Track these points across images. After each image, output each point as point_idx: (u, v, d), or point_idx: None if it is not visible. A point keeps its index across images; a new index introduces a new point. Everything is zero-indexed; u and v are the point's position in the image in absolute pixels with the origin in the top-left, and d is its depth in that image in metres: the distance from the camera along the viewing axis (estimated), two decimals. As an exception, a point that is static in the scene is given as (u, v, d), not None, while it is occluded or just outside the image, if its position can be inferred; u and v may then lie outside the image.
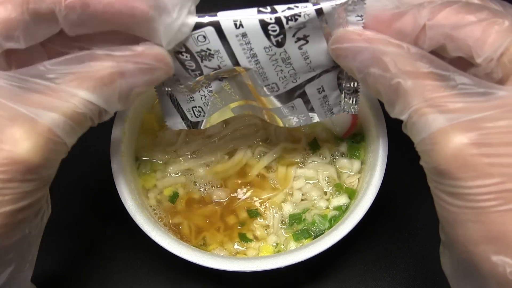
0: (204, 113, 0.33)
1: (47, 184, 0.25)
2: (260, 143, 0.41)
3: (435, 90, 0.22)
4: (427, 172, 0.23)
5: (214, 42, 0.27)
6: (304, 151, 0.41)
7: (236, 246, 0.39)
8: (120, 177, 0.36)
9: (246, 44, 0.27)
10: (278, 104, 0.32)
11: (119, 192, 0.36)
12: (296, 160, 0.41)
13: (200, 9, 0.26)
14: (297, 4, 0.25)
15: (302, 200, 0.40)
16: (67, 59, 0.24)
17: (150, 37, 0.25)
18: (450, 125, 0.21)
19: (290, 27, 0.26)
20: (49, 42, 0.26)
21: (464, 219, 0.21)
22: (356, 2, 0.24)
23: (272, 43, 0.27)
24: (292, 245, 0.38)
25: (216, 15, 0.26)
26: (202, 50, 0.28)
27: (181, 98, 0.32)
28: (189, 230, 0.39)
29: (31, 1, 0.23)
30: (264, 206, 0.40)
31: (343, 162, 0.40)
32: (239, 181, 0.40)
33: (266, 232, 0.39)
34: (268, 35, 0.27)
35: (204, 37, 0.27)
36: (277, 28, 0.26)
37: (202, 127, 0.34)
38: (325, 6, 0.24)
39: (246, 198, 0.40)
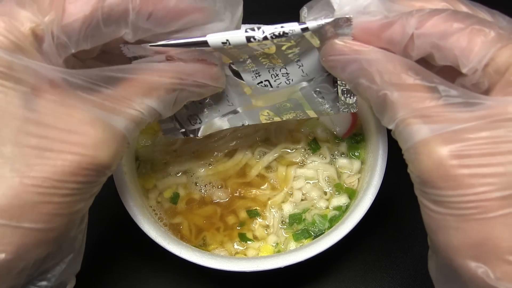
0: (201, 120, 0.33)
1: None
2: (260, 143, 0.41)
3: (421, 101, 0.22)
4: (412, 180, 0.24)
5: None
6: (304, 151, 0.41)
7: (236, 246, 0.39)
8: (120, 177, 0.36)
9: (233, 48, 0.27)
10: (272, 101, 0.32)
11: (119, 192, 0.36)
12: (296, 160, 0.41)
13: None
14: (283, 25, 0.25)
15: (302, 200, 0.40)
16: (133, 67, 0.25)
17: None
18: (433, 136, 0.21)
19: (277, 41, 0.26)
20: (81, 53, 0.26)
21: (446, 225, 0.22)
22: (344, 20, 0.24)
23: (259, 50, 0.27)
24: (292, 245, 0.38)
25: (204, 36, 0.26)
26: None
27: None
28: (189, 230, 0.39)
29: None
30: (264, 206, 0.40)
31: (343, 162, 0.40)
32: (239, 181, 0.40)
33: (266, 232, 0.39)
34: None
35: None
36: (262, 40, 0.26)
37: (199, 135, 0.34)
38: (310, 25, 0.25)
39: (246, 198, 0.40)
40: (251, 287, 0.42)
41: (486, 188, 0.20)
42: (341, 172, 0.41)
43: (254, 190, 0.40)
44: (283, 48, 0.27)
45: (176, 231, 0.39)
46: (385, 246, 0.44)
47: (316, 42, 0.26)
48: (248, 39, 0.25)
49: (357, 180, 0.40)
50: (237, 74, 0.30)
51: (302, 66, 0.29)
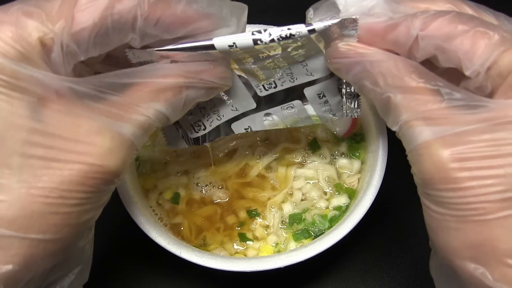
0: (205, 126, 0.33)
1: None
2: (260, 143, 0.41)
3: (423, 104, 0.22)
4: (415, 181, 0.24)
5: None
6: (304, 151, 0.41)
7: (236, 246, 0.39)
8: (120, 177, 0.36)
9: (239, 51, 0.27)
10: (276, 104, 0.32)
11: (119, 193, 0.36)
12: (296, 160, 0.41)
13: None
14: (290, 26, 0.25)
15: (302, 200, 0.40)
16: (138, 70, 0.25)
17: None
18: (435, 138, 0.22)
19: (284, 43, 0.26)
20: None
21: (446, 226, 0.22)
22: (349, 20, 0.24)
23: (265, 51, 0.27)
24: (292, 245, 0.38)
25: (211, 39, 0.26)
26: None
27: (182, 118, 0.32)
28: (189, 230, 0.39)
29: (116, 5, 0.23)
30: (264, 206, 0.40)
31: (343, 162, 0.41)
32: (239, 181, 0.40)
33: (266, 232, 0.39)
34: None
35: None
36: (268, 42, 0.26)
37: (205, 143, 0.34)
38: (317, 26, 0.25)
39: (246, 198, 0.40)
40: (251, 287, 0.42)
41: (486, 190, 0.20)
42: (341, 172, 0.41)
43: (254, 190, 0.40)
44: (289, 49, 0.27)
45: (176, 231, 0.39)
46: (385, 246, 0.44)
47: (321, 43, 0.26)
48: (255, 41, 0.25)
49: (357, 180, 0.40)
50: (241, 77, 0.30)
51: (307, 65, 0.29)
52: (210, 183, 0.40)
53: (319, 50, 0.27)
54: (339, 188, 0.40)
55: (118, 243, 0.44)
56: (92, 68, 0.27)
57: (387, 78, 0.23)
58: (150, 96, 0.24)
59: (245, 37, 0.25)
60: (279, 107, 0.33)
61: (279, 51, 0.27)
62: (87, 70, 0.27)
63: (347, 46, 0.25)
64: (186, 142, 0.34)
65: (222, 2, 0.26)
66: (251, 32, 0.25)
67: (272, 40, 0.25)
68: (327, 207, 0.39)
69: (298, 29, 0.25)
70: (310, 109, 0.32)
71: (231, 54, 0.27)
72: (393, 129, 0.24)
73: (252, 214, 0.39)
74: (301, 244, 0.38)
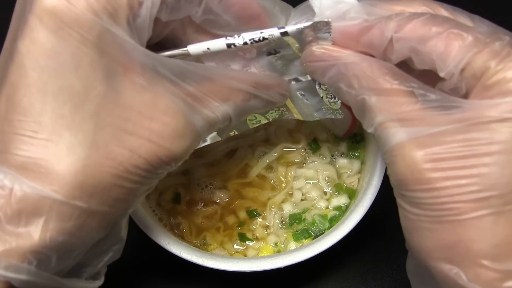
0: None
1: None
2: (260, 143, 0.41)
3: (398, 106, 0.22)
4: (391, 182, 0.24)
5: None
6: (304, 151, 0.41)
7: (236, 246, 0.39)
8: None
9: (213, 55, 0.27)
10: None
11: (119, 192, 0.36)
12: (296, 160, 0.41)
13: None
14: (263, 30, 0.25)
15: (302, 200, 0.40)
16: (214, 67, 0.25)
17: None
18: (409, 139, 0.22)
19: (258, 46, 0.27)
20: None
21: (421, 227, 0.22)
22: (322, 23, 0.24)
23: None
24: (292, 245, 0.38)
25: (186, 47, 0.26)
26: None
27: None
28: (189, 230, 0.39)
29: None
30: (264, 206, 0.40)
31: (343, 162, 0.41)
32: (239, 181, 0.40)
33: (266, 232, 0.39)
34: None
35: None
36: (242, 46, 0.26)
37: (208, 142, 0.34)
38: (289, 29, 0.25)
39: (246, 198, 0.40)
40: (251, 287, 0.42)
41: (460, 190, 0.20)
42: (341, 172, 0.41)
43: (254, 190, 0.40)
44: (272, 60, 0.27)
45: (176, 231, 0.39)
46: (385, 246, 0.44)
47: (296, 46, 0.27)
48: (229, 46, 0.26)
49: (357, 180, 0.40)
50: None
51: (288, 71, 0.29)
52: (210, 183, 0.40)
53: (294, 53, 0.28)
54: (339, 188, 0.40)
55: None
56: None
57: (362, 80, 0.23)
58: (223, 96, 0.25)
59: (219, 42, 0.26)
60: None
61: (254, 54, 0.27)
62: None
63: (321, 49, 0.25)
64: None
65: (275, 0, 0.26)
66: (225, 36, 0.26)
67: (245, 43, 0.26)
68: (327, 207, 0.39)
69: (271, 32, 0.25)
70: (290, 105, 0.32)
71: (202, 56, 0.27)
72: (369, 130, 0.24)
73: (252, 214, 0.39)
74: (301, 244, 0.38)
